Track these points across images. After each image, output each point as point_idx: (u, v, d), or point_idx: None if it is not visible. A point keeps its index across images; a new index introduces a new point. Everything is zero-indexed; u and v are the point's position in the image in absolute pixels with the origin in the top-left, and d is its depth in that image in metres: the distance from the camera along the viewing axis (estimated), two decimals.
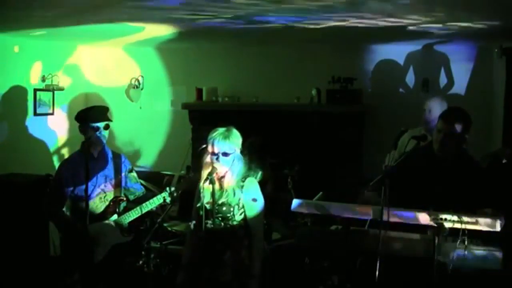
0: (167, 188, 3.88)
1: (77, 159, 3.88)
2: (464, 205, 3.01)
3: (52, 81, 6.06)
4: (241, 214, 3.28)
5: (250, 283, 3.21)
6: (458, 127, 3.27)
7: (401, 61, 5.96)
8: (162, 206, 4.00)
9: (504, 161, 3.18)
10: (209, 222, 3.23)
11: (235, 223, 3.27)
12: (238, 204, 3.27)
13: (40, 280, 4.70)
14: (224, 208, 3.25)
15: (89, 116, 3.82)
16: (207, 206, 3.24)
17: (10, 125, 5.68)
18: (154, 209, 3.94)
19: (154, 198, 3.87)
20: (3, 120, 5.59)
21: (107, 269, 3.78)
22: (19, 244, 4.83)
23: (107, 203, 3.87)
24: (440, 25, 4.25)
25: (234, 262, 3.25)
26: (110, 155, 3.99)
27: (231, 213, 3.25)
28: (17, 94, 5.78)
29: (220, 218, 3.26)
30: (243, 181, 3.27)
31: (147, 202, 3.87)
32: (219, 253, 3.26)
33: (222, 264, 3.25)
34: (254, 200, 3.28)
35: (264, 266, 3.34)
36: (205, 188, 3.28)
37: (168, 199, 3.85)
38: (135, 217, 3.89)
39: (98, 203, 3.85)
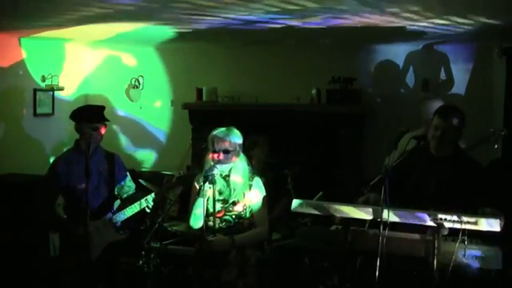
0: (149, 196, 3.87)
1: (70, 157, 3.86)
2: (464, 205, 3.01)
3: (52, 81, 6.05)
4: (250, 211, 3.41)
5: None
6: (455, 122, 3.31)
7: (401, 61, 5.95)
8: (162, 206, 4.00)
9: (496, 146, 3.19)
10: (222, 219, 3.34)
11: (246, 220, 3.40)
12: (248, 202, 3.40)
13: (40, 280, 4.70)
14: (237, 207, 3.37)
15: (85, 115, 3.80)
16: (218, 204, 3.31)
17: (10, 125, 5.67)
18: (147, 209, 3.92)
19: (139, 202, 3.86)
20: (1, 120, 5.59)
21: (103, 267, 3.78)
22: (19, 244, 4.82)
23: (101, 200, 3.86)
24: (440, 25, 4.25)
25: (239, 261, 3.29)
26: (104, 153, 3.97)
27: (244, 211, 3.39)
28: (16, 94, 5.77)
29: (233, 216, 3.37)
30: (251, 181, 3.41)
31: (136, 204, 3.87)
32: (224, 251, 3.28)
33: (228, 263, 3.27)
34: (262, 198, 3.44)
35: (264, 266, 3.36)
36: (206, 187, 3.30)
37: (149, 204, 3.84)
38: (129, 216, 3.88)
39: (92, 201, 3.81)
